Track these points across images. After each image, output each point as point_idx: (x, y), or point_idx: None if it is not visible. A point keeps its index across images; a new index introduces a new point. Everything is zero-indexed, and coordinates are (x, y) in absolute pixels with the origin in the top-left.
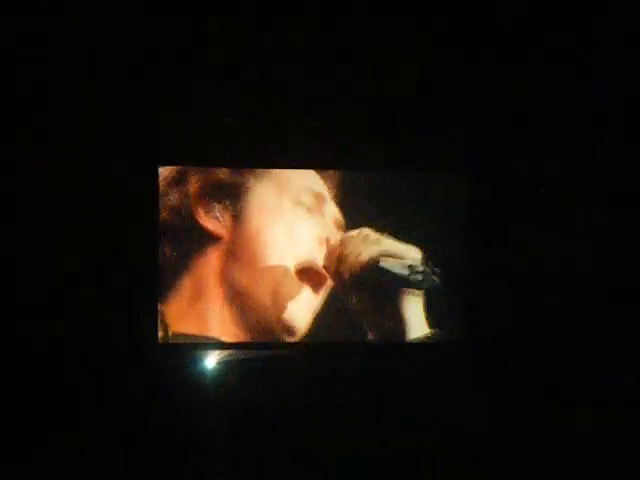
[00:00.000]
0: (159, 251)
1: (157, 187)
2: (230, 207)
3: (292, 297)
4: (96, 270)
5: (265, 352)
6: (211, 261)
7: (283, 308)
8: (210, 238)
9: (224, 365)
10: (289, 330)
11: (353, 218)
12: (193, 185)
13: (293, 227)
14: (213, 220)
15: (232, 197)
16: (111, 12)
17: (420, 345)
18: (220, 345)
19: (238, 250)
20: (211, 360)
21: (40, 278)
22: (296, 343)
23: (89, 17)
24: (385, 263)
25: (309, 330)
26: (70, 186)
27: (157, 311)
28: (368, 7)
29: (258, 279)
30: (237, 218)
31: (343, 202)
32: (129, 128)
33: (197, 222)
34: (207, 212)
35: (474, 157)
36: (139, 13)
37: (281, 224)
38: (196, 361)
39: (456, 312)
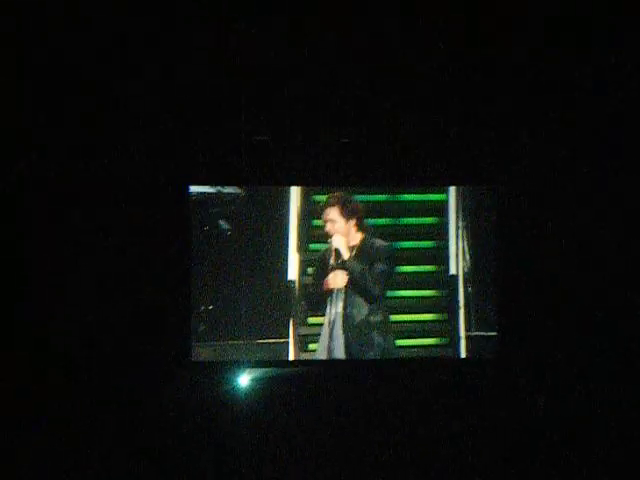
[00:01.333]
0: (191, 267)
1: (188, 205)
2: None
3: None
4: (130, 288)
5: (296, 370)
6: None
7: None
8: None
9: (256, 383)
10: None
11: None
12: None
13: None
14: None
15: None
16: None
17: (451, 361)
18: (252, 363)
19: None
20: (243, 378)
21: (72, 296)
22: (326, 361)
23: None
24: None
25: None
26: (101, 203)
27: (190, 328)
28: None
29: None
30: None
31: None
32: (160, 147)
33: None
34: None
35: (503, 169)
36: (170, 31)
37: None
38: (228, 379)
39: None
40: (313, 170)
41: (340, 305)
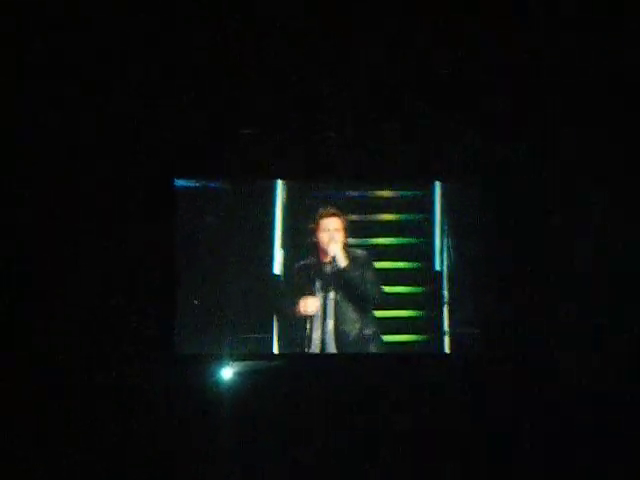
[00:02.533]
0: (176, 259)
1: (173, 198)
2: None
3: None
4: (115, 281)
5: (281, 363)
6: None
7: None
8: None
9: (241, 376)
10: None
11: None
12: None
13: None
14: None
15: None
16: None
17: (440, 356)
18: (238, 356)
19: None
20: (228, 371)
21: (57, 289)
22: (312, 355)
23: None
24: None
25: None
26: (88, 198)
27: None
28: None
29: None
30: None
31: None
32: (145, 140)
33: None
34: None
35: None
36: (156, 24)
37: None
38: (211, 372)
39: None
40: (298, 165)
41: (331, 323)
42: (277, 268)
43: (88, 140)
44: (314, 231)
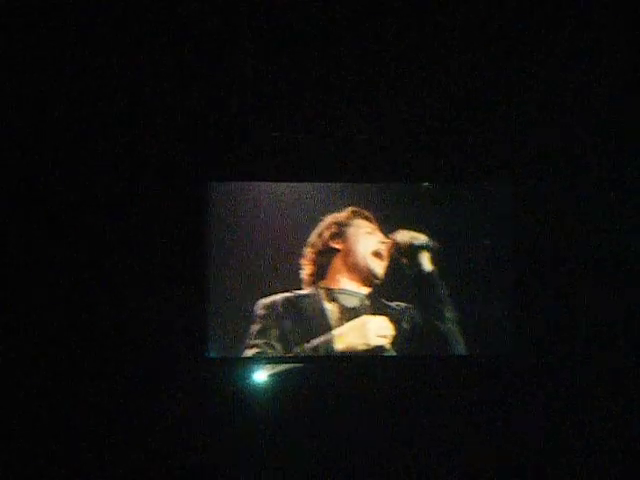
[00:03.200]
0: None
1: (207, 201)
2: None
3: None
4: (149, 283)
5: (315, 366)
6: None
7: None
8: None
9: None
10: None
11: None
12: None
13: None
14: None
15: None
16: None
17: (464, 358)
18: (272, 359)
19: None
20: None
21: (88, 289)
22: (342, 356)
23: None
24: None
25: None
26: (122, 199)
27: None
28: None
29: None
30: None
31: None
32: (181, 143)
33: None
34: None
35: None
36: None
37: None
38: (243, 375)
39: (503, 325)
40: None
41: None
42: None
43: (124, 141)
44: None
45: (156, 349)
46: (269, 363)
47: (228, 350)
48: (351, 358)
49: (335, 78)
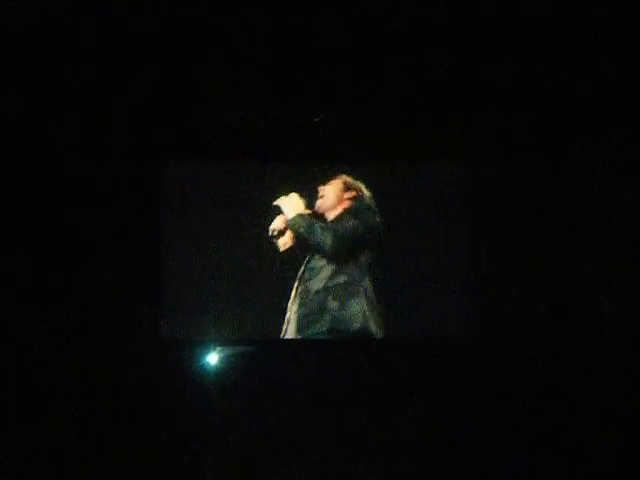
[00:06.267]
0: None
1: (162, 181)
2: None
3: None
4: (100, 265)
5: (268, 348)
6: None
7: None
8: None
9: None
10: None
11: None
12: None
13: None
14: None
15: None
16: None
17: (420, 340)
18: (227, 341)
19: None
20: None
21: (44, 269)
22: (299, 340)
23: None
24: None
25: None
26: (78, 178)
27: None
28: None
29: None
30: None
31: None
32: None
33: None
34: None
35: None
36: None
37: None
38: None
39: (458, 307)
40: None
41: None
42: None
43: (80, 122)
44: None
45: (109, 329)
46: (223, 345)
47: (182, 332)
48: (306, 342)
49: (297, 56)
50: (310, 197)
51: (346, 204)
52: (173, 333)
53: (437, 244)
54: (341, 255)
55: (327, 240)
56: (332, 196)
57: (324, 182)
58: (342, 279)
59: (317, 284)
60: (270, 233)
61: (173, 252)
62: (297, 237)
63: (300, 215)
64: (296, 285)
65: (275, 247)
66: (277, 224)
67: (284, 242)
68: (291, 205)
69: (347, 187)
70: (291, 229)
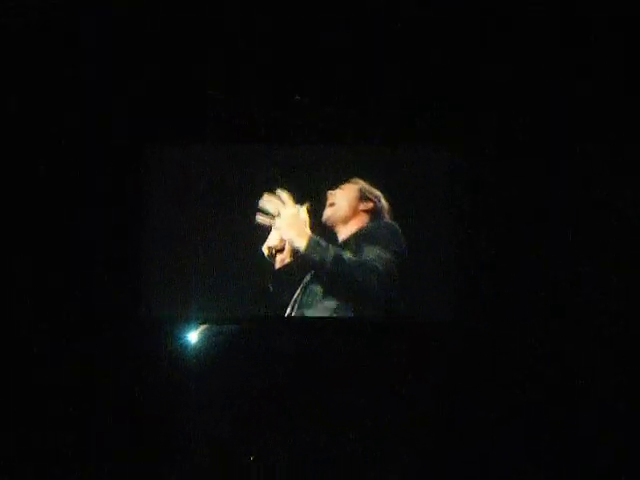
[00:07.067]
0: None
1: (143, 163)
2: None
3: None
4: (80, 246)
5: (254, 326)
6: None
7: None
8: None
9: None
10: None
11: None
12: None
13: None
14: None
15: None
16: None
17: (407, 324)
18: (209, 319)
19: None
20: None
21: (26, 250)
22: (282, 318)
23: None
24: None
25: None
26: (57, 160)
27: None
28: None
29: None
30: None
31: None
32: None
33: None
34: None
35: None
36: None
37: None
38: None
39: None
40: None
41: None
42: None
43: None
44: None
45: (89, 307)
46: (208, 323)
47: (163, 310)
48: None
49: (278, 36)
50: (302, 191)
51: (362, 220)
52: (155, 312)
53: (431, 236)
54: None
55: (373, 281)
56: (345, 206)
57: (334, 185)
58: (350, 314)
59: (319, 314)
60: (267, 253)
61: (155, 233)
62: (313, 268)
63: (317, 243)
64: (289, 311)
65: (270, 263)
66: (274, 242)
67: (282, 258)
68: (296, 224)
69: (363, 196)
70: (306, 259)
